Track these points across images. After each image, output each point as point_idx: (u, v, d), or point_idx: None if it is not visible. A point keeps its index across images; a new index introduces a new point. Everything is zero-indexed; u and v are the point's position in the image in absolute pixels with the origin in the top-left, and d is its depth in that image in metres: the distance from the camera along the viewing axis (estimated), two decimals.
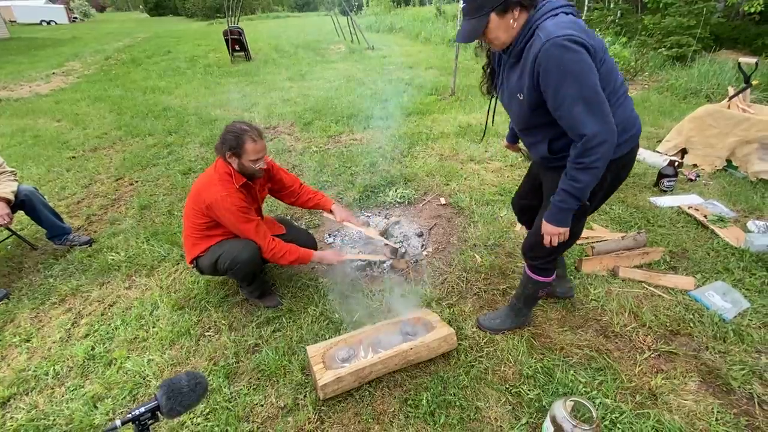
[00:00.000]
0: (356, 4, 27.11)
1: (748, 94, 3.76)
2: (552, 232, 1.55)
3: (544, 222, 1.56)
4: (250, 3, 42.12)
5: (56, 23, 36.40)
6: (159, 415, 1.07)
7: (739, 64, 3.93)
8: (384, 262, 2.03)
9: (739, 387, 1.73)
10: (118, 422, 1.01)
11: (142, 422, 1.04)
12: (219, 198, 1.90)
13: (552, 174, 1.63)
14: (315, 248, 2.40)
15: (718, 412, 1.63)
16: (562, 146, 1.50)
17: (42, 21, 36.34)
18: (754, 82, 4.09)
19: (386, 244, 2.05)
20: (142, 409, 1.04)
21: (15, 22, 34.66)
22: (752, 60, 3.85)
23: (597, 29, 8.94)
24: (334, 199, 2.34)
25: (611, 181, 1.59)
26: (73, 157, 4.50)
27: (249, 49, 10.64)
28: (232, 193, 1.93)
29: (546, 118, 1.44)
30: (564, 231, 1.54)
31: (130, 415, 1.03)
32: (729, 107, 3.74)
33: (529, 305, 2.01)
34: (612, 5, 10.61)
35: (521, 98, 1.45)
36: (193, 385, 1.09)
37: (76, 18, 42.71)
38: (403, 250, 1.96)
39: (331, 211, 2.32)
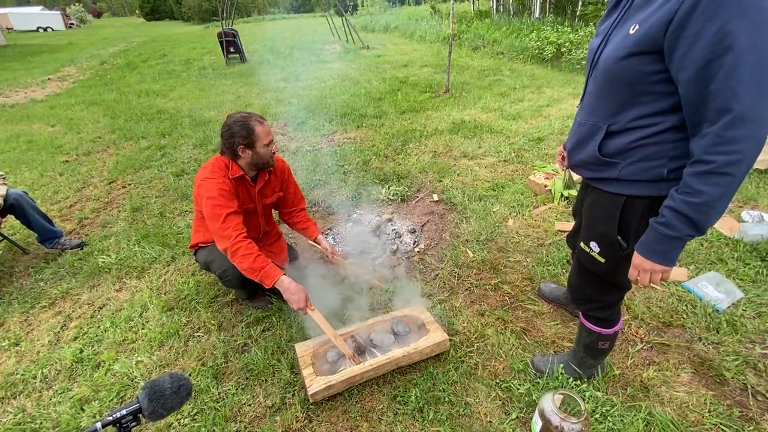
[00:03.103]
0: (351, 4, 27.09)
1: None
2: (645, 268, 1.10)
3: (636, 254, 1.12)
4: (246, 5, 42.14)
5: (53, 30, 36.51)
6: (141, 417, 1.05)
7: None
8: (341, 354, 1.79)
9: (732, 378, 1.71)
10: (98, 425, 0.99)
11: (124, 425, 1.01)
12: (202, 178, 1.85)
13: (593, 196, 1.27)
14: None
15: (710, 403, 1.61)
16: (617, 148, 1.13)
17: (38, 28, 36.48)
18: None
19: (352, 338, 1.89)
20: (123, 412, 1.01)
21: (12, 29, 34.75)
22: None
23: (591, 24, 8.90)
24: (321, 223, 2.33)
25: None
26: (67, 161, 4.50)
27: (244, 51, 10.63)
28: (218, 176, 1.84)
29: (634, 78, 1.03)
30: (664, 269, 1.08)
31: (110, 418, 1.00)
32: None
33: (594, 356, 1.64)
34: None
35: (632, 31, 1.01)
36: (177, 387, 1.06)
37: (72, 24, 42.86)
38: (363, 350, 1.87)
39: (315, 240, 2.26)
